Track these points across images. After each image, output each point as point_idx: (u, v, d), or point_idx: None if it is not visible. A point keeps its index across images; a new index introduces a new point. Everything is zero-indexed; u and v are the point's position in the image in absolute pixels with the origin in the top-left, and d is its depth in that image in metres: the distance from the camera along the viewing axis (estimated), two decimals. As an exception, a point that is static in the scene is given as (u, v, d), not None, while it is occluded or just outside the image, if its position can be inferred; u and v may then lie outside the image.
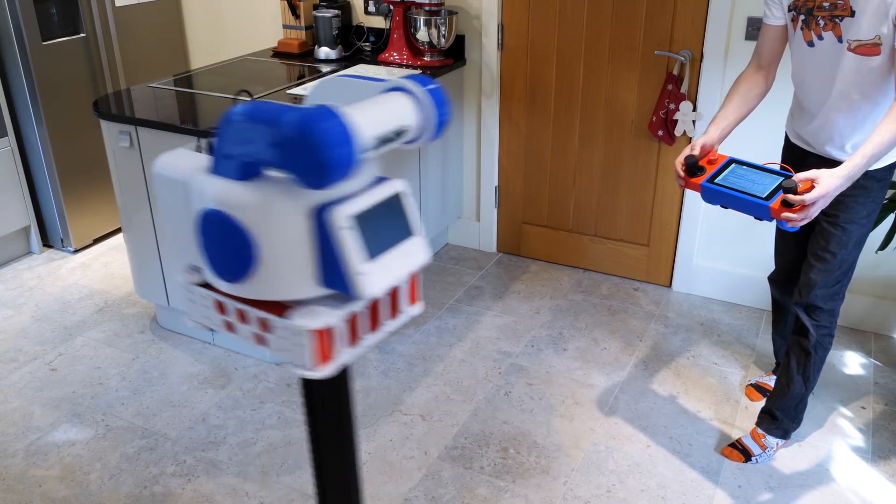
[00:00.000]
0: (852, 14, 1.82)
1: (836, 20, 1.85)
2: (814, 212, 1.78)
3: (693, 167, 1.96)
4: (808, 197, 1.76)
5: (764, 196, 1.81)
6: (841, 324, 3.01)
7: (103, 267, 3.52)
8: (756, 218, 1.85)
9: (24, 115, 3.38)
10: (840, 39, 1.86)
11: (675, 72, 2.95)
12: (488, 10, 3.22)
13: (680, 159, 1.97)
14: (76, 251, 3.66)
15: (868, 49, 1.82)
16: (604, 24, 3.04)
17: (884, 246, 2.61)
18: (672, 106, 2.97)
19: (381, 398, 2.61)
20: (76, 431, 2.47)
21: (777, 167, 1.93)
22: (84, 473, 2.29)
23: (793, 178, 1.80)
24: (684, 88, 2.95)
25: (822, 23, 1.89)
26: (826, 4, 1.86)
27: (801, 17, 1.93)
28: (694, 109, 2.96)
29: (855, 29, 1.83)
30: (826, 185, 1.77)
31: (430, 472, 2.29)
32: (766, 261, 3.06)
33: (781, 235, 2.37)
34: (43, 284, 3.37)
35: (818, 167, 2.03)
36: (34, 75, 3.26)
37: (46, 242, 3.70)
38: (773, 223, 2.96)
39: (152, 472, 2.30)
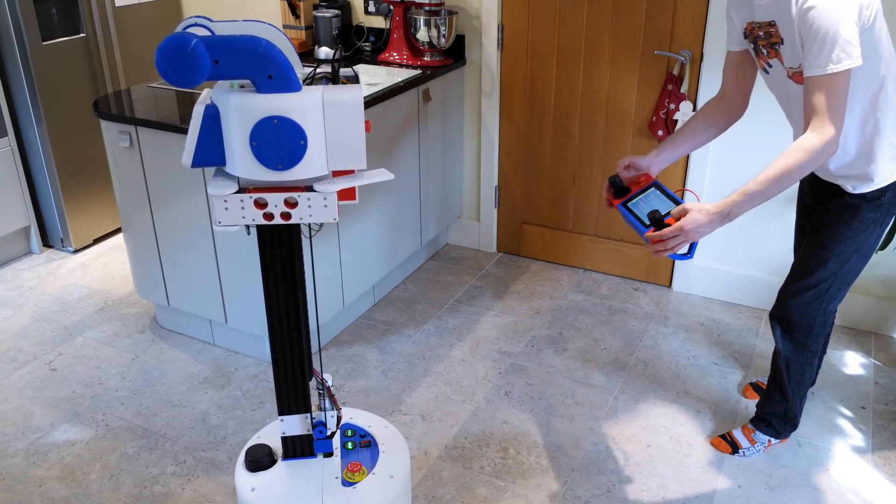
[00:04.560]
0: (782, 42, 1.80)
1: (776, 47, 1.83)
2: (674, 245, 1.77)
3: (618, 187, 1.97)
4: (664, 231, 1.76)
5: (648, 224, 1.84)
6: (841, 324, 3.01)
7: (103, 267, 3.52)
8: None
9: (24, 115, 3.38)
10: (784, 66, 1.85)
11: (675, 72, 2.95)
12: (488, 10, 3.22)
13: (607, 182, 1.98)
14: (76, 251, 3.66)
15: (800, 76, 1.77)
16: (604, 24, 3.04)
17: (884, 246, 2.61)
18: (672, 106, 2.97)
19: (381, 398, 2.61)
20: (76, 431, 2.47)
21: (691, 195, 1.93)
22: (84, 473, 2.29)
23: (676, 207, 1.82)
24: (684, 88, 2.95)
25: (765, 51, 1.88)
26: (761, 34, 1.85)
27: (751, 45, 1.93)
28: (694, 109, 2.96)
29: (787, 56, 1.80)
30: (689, 219, 1.75)
31: (430, 472, 2.29)
32: (766, 261, 3.06)
33: (799, 235, 2.34)
34: (43, 284, 3.38)
35: (821, 189, 2.02)
36: (34, 75, 3.26)
37: (46, 242, 3.70)
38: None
39: (152, 472, 2.30)
